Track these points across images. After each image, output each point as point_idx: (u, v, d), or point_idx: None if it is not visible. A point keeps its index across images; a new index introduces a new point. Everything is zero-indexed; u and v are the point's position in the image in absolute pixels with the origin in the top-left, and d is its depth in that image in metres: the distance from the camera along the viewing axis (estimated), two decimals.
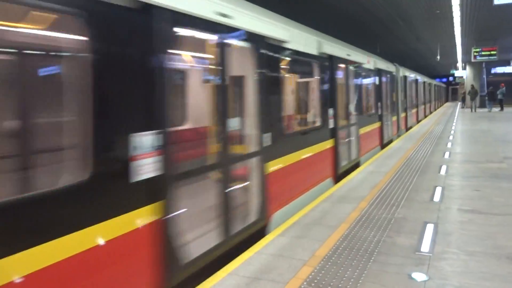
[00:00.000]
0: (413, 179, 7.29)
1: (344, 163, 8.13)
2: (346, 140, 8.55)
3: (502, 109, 28.11)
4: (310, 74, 7.52)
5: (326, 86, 7.40)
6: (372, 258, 3.92)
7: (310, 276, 3.55)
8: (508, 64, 38.69)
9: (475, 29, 18.90)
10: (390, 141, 13.62)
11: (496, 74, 39.13)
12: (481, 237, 4.38)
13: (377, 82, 11.85)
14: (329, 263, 3.82)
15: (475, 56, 22.12)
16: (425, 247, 4.15)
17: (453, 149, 10.87)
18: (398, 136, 15.48)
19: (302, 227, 4.91)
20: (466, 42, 22.87)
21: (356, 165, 9.24)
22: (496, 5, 10.29)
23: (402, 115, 16.47)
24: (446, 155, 9.97)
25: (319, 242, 4.37)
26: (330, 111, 7.51)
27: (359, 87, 9.74)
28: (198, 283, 3.54)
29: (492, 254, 3.91)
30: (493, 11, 14.24)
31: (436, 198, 6.03)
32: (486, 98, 28.23)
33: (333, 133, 7.60)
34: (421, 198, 6.02)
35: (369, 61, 10.61)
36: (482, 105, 33.16)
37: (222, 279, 3.56)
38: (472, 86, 30.96)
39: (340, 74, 8.28)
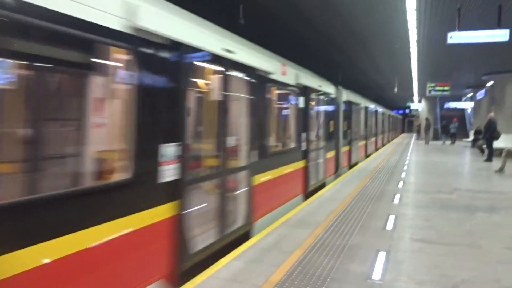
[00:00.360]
0: (368, 207, 7.45)
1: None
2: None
3: (454, 142, 29.50)
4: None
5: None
6: (325, 285, 3.93)
7: None
8: (460, 100, 40.83)
9: (430, 65, 19.90)
10: (323, 185, 10.46)
11: (449, 109, 41.13)
12: (429, 266, 4.51)
13: (300, 105, 8.58)
14: None
15: (429, 91, 23.21)
16: (377, 274, 4.21)
17: (407, 179, 11.24)
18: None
19: (258, 251, 4.88)
20: (422, 77, 23.99)
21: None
22: (449, 44, 10.91)
23: (344, 149, 13.42)
24: (400, 184, 10.29)
25: (273, 267, 4.35)
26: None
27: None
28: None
29: (439, 283, 4.02)
30: (446, 49, 15.06)
31: (389, 226, 6.17)
32: (440, 131, 29.61)
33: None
34: (375, 226, 6.15)
35: (285, 71, 7.54)
36: (435, 138, 34.67)
37: None
38: (427, 119, 32.43)
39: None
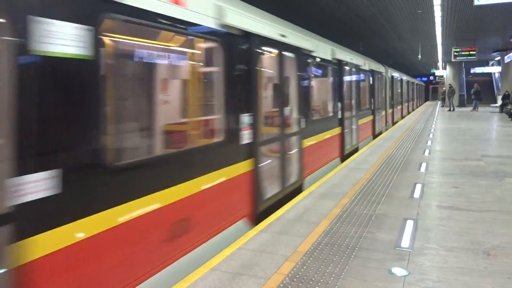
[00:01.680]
0: (394, 176, 7.39)
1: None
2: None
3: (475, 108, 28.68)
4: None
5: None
6: (353, 253, 3.96)
7: (292, 272, 3.57)
8: (487, 64, 39.51)
9: (456, 29, 19.22)
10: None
11: (475, 74, 39.92)
12: (459, 233, 4.48)
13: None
14: (311, 259, 3.85)
15: (455, 56, 22.53)
16: (405, 242, 4.21)
17: (433, 147, 11.06)
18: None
19: (284, 223, 4.93)
20: (447, 42, 23.25)
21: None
22: (476, 5, 10.47)
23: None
24: (426, 152, 10.14)
25: (301, 238, 4.40)
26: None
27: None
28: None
29: (470, 250, 3.99)
30: (473, 11, 14.51)
31: (416, 194, 6.13)
32: (473, 97, 28.54)
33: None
34: (402, 195, 6.11)
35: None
36: (461, 104, 33.75)
37: (204, 275, 3.55)
38: (450, 85, 31.55)
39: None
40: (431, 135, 13.98)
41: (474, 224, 4.74)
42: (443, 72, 39.20)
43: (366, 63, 12.85)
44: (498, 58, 31.75)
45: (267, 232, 4.62)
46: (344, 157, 9.75)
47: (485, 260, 3.74)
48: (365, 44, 23.21)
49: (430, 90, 58.89)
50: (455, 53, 22.39)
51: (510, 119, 19.26)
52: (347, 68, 10.26)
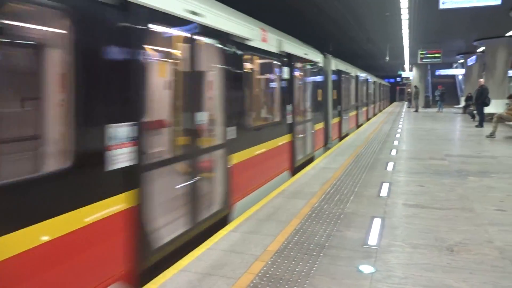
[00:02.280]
0: (362, 175, 7.53)
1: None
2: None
3: (439, 109, 29.65)
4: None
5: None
6: (323, 252, 4.01)
7: (262, 271, 3.58)
8: (451, 67, 40.83)
9: (422, 32, 19.76)
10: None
11: (440, 76, 41.16)
12: (424, 230, 4.60)
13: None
14: (281, 258, 3.87)
15: (421, 58, 23.17)
16: (373, 240, 4.30)
17: (400, 147, 11.33)
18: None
19: (255, 222, 4.94)
20: (413, 45, 23.86)
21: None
22: (441, 9, 10.81)
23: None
24: (393, 152, 10.38)
25: (271, 237, 4.41)
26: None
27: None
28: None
29: (434, 246, 4.11)
30: (438, 15, 14.95)
31: (383, 193, 6.26)
32: (438, 99, 29.60)
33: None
34: (369, 194, 6.23)
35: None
36: (426, 105, 34.73)
37: (174, 276, 3.51)
38: (416, 87, 32.47)
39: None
40: (398, 135, 14.32)
41: (438, 222, 4.89)
42: (410, 74, 40.24)
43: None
44: (462, 61, 32.86)
45: (237, 231, 4.62)
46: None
47: (449, 256, 3.86)
48: (335, 46, 23.54)
49: (397, 91, 60.31)
50: (421, 56, 23.03)
51: (472, 119, 19.97)
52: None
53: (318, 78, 10.76)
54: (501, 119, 13.57)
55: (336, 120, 13.00)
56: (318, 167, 8.49)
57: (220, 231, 4.62)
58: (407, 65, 39.43)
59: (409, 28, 18.27)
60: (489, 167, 8.26)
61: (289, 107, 8.06)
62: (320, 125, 10.82)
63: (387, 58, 28.10)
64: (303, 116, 9.43)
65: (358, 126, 18.88)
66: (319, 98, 10.64)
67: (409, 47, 25.05)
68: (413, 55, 27.98)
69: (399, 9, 14.22)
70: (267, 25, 7.29)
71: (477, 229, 4.61)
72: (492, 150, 10.69)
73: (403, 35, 20.44)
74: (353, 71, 16.85)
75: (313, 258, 3.85)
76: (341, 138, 14.01)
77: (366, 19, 16.85)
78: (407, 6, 13.79)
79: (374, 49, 27.28)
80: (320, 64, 10.83)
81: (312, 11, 14.46)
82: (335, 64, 12.74)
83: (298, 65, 8.93)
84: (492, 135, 13.27)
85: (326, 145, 11.91)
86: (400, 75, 47.51)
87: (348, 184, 6.84)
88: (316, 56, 10.35)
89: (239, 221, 4.97)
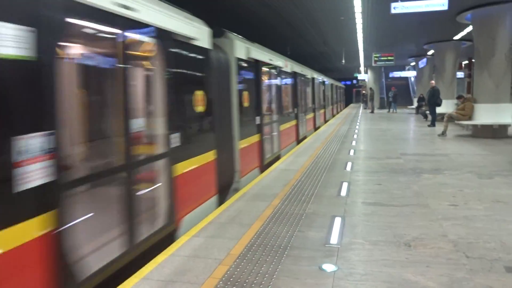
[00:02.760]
0: (322, 176, 7.66)
1: None
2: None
3: (390, 110, 30.76)
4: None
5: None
6: (286, 253, 4.03)
7: (226, 275, 3.56)
8: (404, 69, 42.37)
9: (375, 36, 20.39)
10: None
11: (393, 78, 42.61)
12: (382, 227, 4.74)
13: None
14: (244, 261, 3.86)
15: (375, 61, 23.89)
16: (334, 239, 4.37)
17: (357, 147, 11.62)
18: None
19: (217, 226, 4.91)
20: (368, 48, 24.58)
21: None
22: (393, 14, 11.23)
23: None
24: (351, 152, 10.63)
25: (234, 241, 4.40)
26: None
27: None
28: None
29: (392, 242, 4.24)
30: (390, 20, 15.48)
31: (343, 193, 6.39)
32: (391, 100, 30.73)
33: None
34: (330, 193, 6.35)
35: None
36: (381, 106, 35.84)
37: (135, 285, 3.42)
38: (371, 89, 33.52)
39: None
40: (355, 136, 14.69)
41: (396, 218, 5.05)
42: (365, 76, 41.44)
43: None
44: (414, 63, 34.17)
45: (200, 236, 4.57)
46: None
47: (406, 251, 3.99)
48: (293, 48, 23.87)
49: (354, 93, 61.90)
50: (375, 58, 23.75)
51: (425, 119, 20.80)
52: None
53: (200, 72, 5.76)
54: (451, 118, 14.21)
55: (248, 142, 7.97)
56: (279, 168, 8.56)
57: (182, 237, 4.56)
58: (362, 68, 40.56)
59: (363, 32, 18.81)
60: (441, 164, 8.62)
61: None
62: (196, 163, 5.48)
63: (343, 61, 28.80)
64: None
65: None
66: (198, 106, 5.49)
67: (363, 50, 25.78)
68: (367, 58, 28.83)
69: (353, 13, 14.61)
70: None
71: (432, 224, 4.79)
72: (443, 148, 11.17)
73: (358, 38, 21.02)
74: (285, 65, 12.03)
75: (276, 260, 3.87)
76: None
77: (322, 23, 17.19)
78: (360, 11, 14.20)
79: (331, 52, 27.89)
80: (203, 45, 5.65)
81: (268, 14, 14.60)
82: (247, 50, 7.94)
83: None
84: (443, 134, 13.88)
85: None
86: (356, 78, 48.79)
87: (308, 185, 6.94)
88: (191, 28, 5.21)
89: (202, 226, 4.93)
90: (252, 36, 9.38)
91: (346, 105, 50.77)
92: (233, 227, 4.88)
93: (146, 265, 3.82)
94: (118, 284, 3.50)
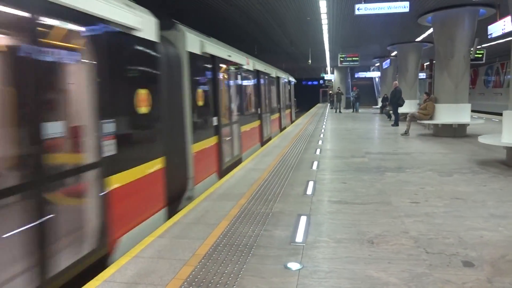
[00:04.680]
0: (289, 175, 7.71)
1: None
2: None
3: (354, 110, 31.39)
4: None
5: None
6: (251, 252, 4.03)
7: (191, 276, 3.52)
8: (369, 70, 43.30)
9: (340, 37, 20.72)
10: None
11: (359, 78, 43.47)
12: (347, 225, 4.81)
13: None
14: (210, 261, 3.83)
15: (341, 62, 24.24)
16: (299, 237, 4.41)
17: (324, 146, 11.78)
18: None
19: (183, 227, 4.85)
20: (333, 48, 24.94)
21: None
22: (357, 15, 11.44)
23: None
24: (318, 151, 10.76)
25: (200, 241, 4.36)
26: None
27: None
28: None
29: (356, 240, 4.32)
30: (354, 20, 15.78)
31: (309, 191, 6.46)
32: (353, 100, 31.39)
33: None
34: (296, 192, 6.40)
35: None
36: (347, 106, 36.51)
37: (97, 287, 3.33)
38: (339, 89, 34.09)
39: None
40: (321, 135, 14.88)
41: (359, 216, 5.14)
42: (332, 76, 42.06)
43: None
44: (378, 64, 34.97)
45: (165, 237, 4.50)
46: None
47: (369, 248, 4.07)
48: (260, 49, 23.93)
49: (321, 93, 62.73)
50: (340, 59, 24.10)
51: (389, 119, 21.32)
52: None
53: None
54: (413, 118, 14.62)
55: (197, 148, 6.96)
56: (246, 168, 8.56)
57: (147, 238, 4.48)
58: (329, 68, 41.14)
59: (329, 32, 19.08)
60: (404, 163, 8.86)
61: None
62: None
63: (310, 61, 29.12)
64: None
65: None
66: (141, 107, 4.82)
67: (329, 50, 26.15)
68: (333, 58, 29.25)
69: (319, 14, 14.78)
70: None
71: (394, 221, 4.91)
72: (406, 147, 11.48)
73: (324, 39, 21.30)
74: (247, 62, 11.20)
75: (242, 259, 3.86)
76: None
77: (288, 23, 17.31)
78: (326, 12, 14.39)
79: (298, 53, 28.13)
80: (148, 36, 5.02)
81: (234, 13, 14.57)
82: (201, 44, 7.19)
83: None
84: (406, 133, 14.27)
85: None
86: (323, 78, 49.45)
87: (275, 184, 6.97)
88: (131, 16, 4.56)
89: (167, 226, 4.86)
90: (217, 36, 9.31)
91: (313, 105, 51.34)
92: (199, 227, 4.83)
93: (108, 268, 3.73)
94: None
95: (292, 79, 24.28)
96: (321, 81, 56.93)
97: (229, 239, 4.41)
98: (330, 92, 40.68)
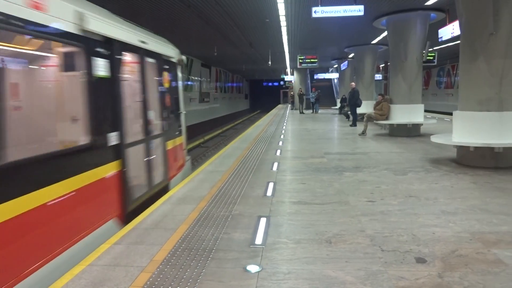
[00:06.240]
0: (249, 176, 7.72)
1: None
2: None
3: (314, 111, 31.91)
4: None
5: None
6: (211, 255, 4.00)
7: (148, 282, 3.45)
8: (328, 71, 44.13)
9: (299, 39, 21.02)
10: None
11: (318, 80, 44.22)
12: (306, 225, 4.87)
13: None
14: (168, 267, 3.77)
15: (300, 63, 24.57)
16: (259, 239, 4.41)
17: (284, 147, 11.89)
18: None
19: (141, 232, 4.75)
20: (293, 50, 25.25)
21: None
22: (314, 17, 11.63)
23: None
24: (278, 152, 10.84)
25: (157, 246, 4.28)
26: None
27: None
28: None
29: (314, 240, 4.37)
30: (312, 23, 16.03)
31: (269, 193, 6.49)
32: (313, 101, 31.86)
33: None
34: (256, 194, 6.41)
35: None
36: (307, 107, 37.05)
37: None
38: (300, 90, 34.55)
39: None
40: (282, 136, 15.01)
41: (318, 216, 5.22)
42: (292, 78, 42.54)
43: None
44: (336, 65, 35.70)
45: (122, 244, 4.39)
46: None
47: (327, 248, 4.13)
48: (219, 50, 23.87)
49: (281, 94, 63.34)
50: (300, 60, 24.42)
51: (347, 119, 21.80)
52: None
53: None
54: (370, 118, 15.02)
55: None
56: (207, 170, 8.49)
57: (103, 245, 4.35)
58: (288, 69, 41.59)
59: (288, 34, 19.30)
60: (361, 162, 9.08)
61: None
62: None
63: (270, 62, 29.33)
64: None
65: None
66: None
67: (289, 52, 26.45)
68: (293, 59, 29.60)
69: (277, 16, 14.92)
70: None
71: (352, 220, 5.01)
72: (364, 147, 11.78)
73: (283, 41, 21.52)
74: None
75: (201, 263, 3.82)
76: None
77: (247, 25, 17.36)
78: (284, 14, 14.53)
79: (257, 54, 28.27)
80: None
81: (192, 15, 14.45)
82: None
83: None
84: (363, 133, 14.65)
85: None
86: (283, 79, 49.92)
87: (235, 186, 6.95)
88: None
89: (124, 232, 4.74)
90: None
91: (273, 106, 51.71)
92: (157, 232, 4.74)
93: (61, 278, 3.59)
94: None
95: (177, 55, 8.65)
96: (281, 82, 57.50)
97: (188, 243, 4.35)
98: (292, 93, 41.14)
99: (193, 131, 25.46)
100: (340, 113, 26.77)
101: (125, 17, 6.19)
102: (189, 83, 29.75)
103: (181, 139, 8.46)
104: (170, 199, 6.25)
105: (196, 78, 32.08)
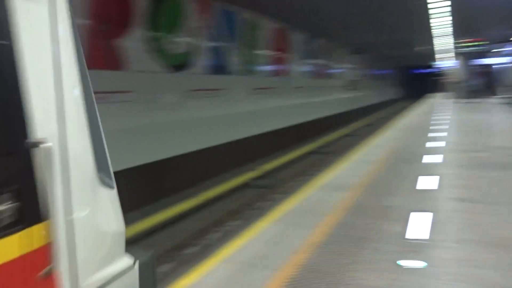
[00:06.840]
0: (402, 168, 7.40)
1: None
2: None
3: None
4: None
5: None
6: (365, 245, 4.00)
7: (304, 263, 3.60)
8: (485, 56, 39.17)
9: (463, 20, 19.11)
10: None
11: (481, 65, 39.66)
12: (470, 225, 4.47)
13: None
14: (326, 251, 3.89)
15: (461, 47, 22.38)
16: (419, 234, 4.23)
17: (441, 138, 10.87)
18: None
19: (295, 215, 4.97)
20: (456, 33, 23.09)
21: None
22: None
23: None
24: (435, 144, 9.99)
25: (312, 229, 4.43)
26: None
27: None
28: None
29: (481, 242, 3.99)
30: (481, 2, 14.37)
31: (433, 186, 6.11)
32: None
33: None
34: (411, 186, 6.11)
35: None
36: (467, 96, 33.55)
37: None
38: (459, 77, 31.67)
39: None
40: (438, 127, 13.78)
41: (482, 217, 4.73)
42: (449, 64, 38.91)
43: None
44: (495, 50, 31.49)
45: (280, 224, 4.66)
46: None
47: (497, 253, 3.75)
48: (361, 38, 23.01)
49: (436, 82, 58.19)
50: (464, 45, 22.16)
51: None
52: None
53: None
54: None
55: None
56: (353, 160, 8.40)
57: (260, 223, 4.68)
58: (441, 55, 38.08)
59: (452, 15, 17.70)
60: None
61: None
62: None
63: (423, 47, 27.25)
64: None
65: None
66: None
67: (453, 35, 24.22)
68: (450, 44, 27.03)
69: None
70: None
71: None
72: None
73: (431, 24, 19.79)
74: None
75: (357, 251, 3.84)
76: None
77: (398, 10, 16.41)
78: None
79: (410, 38, 26.48)
80: None
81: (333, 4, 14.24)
82: None
83: None
84: None
85: None
86: (431, 66, 45.98)
87: (387, 177, 6.74)
88: None
89: (282, 213, 5.03)
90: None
91: (420, 96, 46.93)
92: (308, 217, 4.90)
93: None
94: None
95: None
96: (433, 69, 52.87)
97: (344, 230, 4.41)
98: (451, 80, 37.44)
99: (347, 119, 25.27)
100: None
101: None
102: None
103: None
104: (325, 185, 6.41)
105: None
